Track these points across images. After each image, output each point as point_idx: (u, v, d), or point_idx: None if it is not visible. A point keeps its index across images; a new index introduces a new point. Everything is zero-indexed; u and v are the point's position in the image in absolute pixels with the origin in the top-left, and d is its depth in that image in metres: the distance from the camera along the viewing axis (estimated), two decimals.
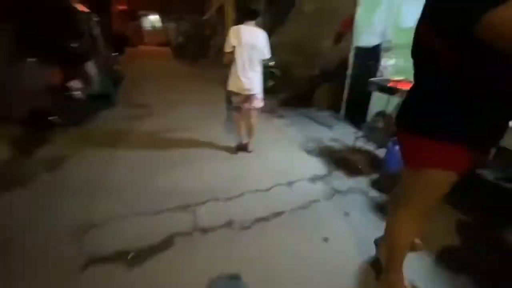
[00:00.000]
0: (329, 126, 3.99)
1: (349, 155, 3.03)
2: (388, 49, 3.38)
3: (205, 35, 11.59)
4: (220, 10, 10.68)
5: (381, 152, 2.94)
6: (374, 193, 2.34)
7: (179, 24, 11.87)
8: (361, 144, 3.17)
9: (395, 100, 2.90)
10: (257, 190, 2.33)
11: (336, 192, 2.35)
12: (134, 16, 18.85)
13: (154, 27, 20.15)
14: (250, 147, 3.04)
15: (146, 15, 19.45)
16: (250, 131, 2.96)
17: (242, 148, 3.05)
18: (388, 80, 2.84)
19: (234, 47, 2.51)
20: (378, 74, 3.44)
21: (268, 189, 2.36)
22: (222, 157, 2.94)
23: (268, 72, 6.04)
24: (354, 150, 3.14)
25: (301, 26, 6.24)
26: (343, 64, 4.80)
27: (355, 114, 3.94)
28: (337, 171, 2.68)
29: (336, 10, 4.87)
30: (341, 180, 2.53)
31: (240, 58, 2.52)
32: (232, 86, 2.66)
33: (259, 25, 2.66)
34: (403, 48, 3.60)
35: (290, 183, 2.46)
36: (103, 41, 5.04)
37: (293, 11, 6.71)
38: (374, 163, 2.83)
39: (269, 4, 7.81)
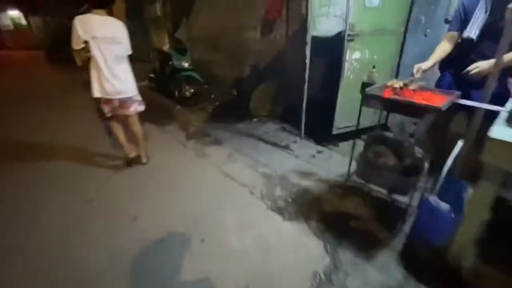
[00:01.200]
0: (286, 147, 2.91)
1: (342, 204, 1.97)
2: (352, 38, 2.46)
3: None
4: None
5: (388, 196, 1.98)
6: None
7: (46, 20, 8.75)
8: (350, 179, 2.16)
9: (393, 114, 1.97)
10: None
11: None
12: None
13: (18, 25, 15.33)
14: (144, 157, 2.55)
15: (3, 10, 14.60)
16: (137, 141, 2.50)
17: (133, 161, 2.51)
18: (380, 88, 1.85)
19: (86, 42, 2.01)
20: (344, 73, 2.50)
21: None
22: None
23: (183, 77, 4.50)
24: (344, 191, 2.12)
25: (216, 14, 4.89)
26: (280, 59, 3.82)
27: (316, 126, 2.97)
28: (343, 250, 1.59)
29: None
30: (361, 273, 1.44)
31: (100, 55, 2.06)
32: (98, 92, 2.14)
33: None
34: (368, 36, 2.77)
35: None
36: None
37: None
38: (384, 214, 1.85)
39: None
